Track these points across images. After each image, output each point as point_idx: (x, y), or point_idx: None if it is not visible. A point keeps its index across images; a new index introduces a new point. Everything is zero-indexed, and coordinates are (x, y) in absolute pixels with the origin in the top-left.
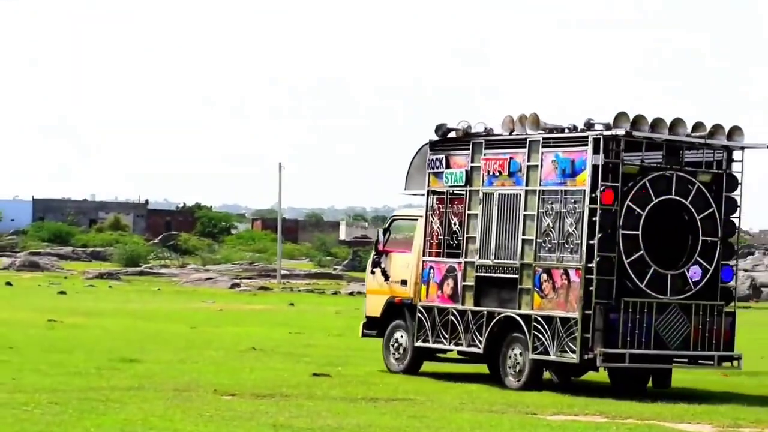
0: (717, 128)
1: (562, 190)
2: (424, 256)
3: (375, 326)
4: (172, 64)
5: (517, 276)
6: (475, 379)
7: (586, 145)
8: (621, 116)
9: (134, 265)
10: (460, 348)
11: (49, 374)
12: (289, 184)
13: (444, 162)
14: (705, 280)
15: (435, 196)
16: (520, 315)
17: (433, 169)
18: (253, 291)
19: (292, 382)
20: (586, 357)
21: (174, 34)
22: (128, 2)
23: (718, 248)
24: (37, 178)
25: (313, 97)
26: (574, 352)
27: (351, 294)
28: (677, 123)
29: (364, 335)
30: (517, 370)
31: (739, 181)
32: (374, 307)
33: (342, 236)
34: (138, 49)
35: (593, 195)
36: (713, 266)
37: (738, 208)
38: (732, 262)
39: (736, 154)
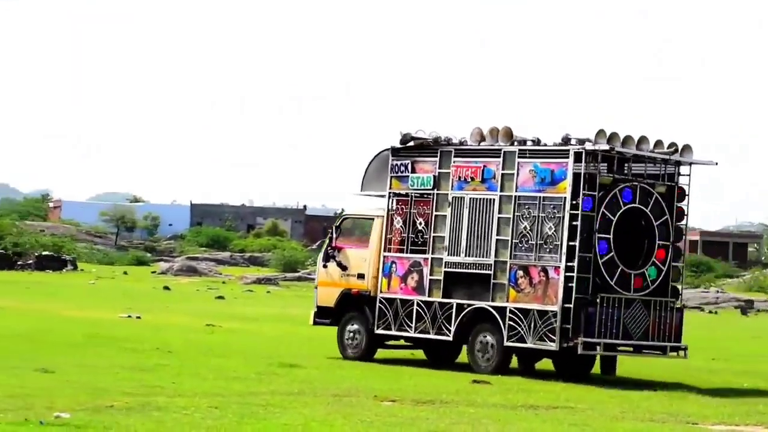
0: (672, 146)
1: (540, 197)
2: (384, 252)
3: (327, 316)
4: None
5: (490, 272)
6: (635, 386)
7: (566, 157)
8: (600, 133)
9: (292, 270)
10: (426, 336)
11: (208, 379)
12: None
13: (409, 167)
14: (659, 279)
15: (397, 198)
16: (493, 307)
17: (396, 173)
18: None
19: (451, 389)
20: (565, 345)
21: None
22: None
23: (670, 252)
24: (195, 184)
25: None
26: (553, 340)
27: None
28: (642, 140)
29: (315, 323)
30: (487, 356)
31: (687, 193)
32: (327, 298)
33: None
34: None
35: (574, 202)
36: (666, 267)
37: (685, 217)
38: (680, 264)
39: (684, 169)
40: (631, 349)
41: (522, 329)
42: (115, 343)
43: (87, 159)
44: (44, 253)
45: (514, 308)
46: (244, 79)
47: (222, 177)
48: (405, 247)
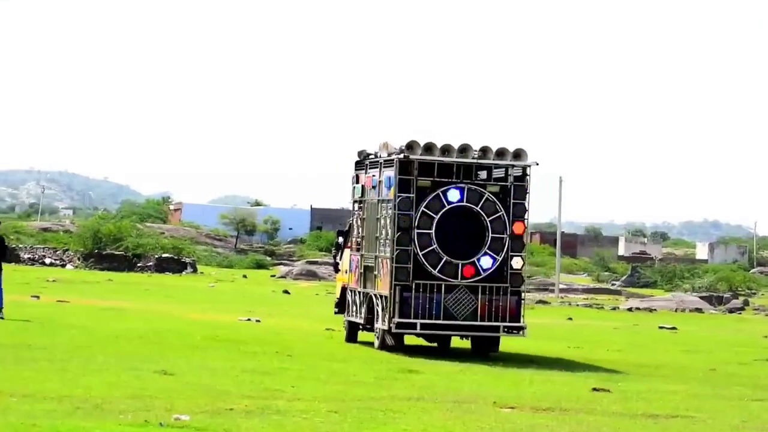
0: (503, 150)
1: (387, 200)
2: (351, 251)
3: (339, 306)
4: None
5: (374, 264)
6: (755, 397)
7: (392, 166)
8: (413, 143)
9: None
10: (355, 320)
11: (328, 383)
12: (568, 198)
13: (356, 178)
14: (494, 267)
15: (357, 205)
16: (373, 294)
17: (353, 184)
18: (531, 304)
19: (571, 396)
20: (389, 324)
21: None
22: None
23: (506, 243)
24: (316, 188)
25: (598, 109)
26: (385, 321)
27: (630, 310)
28: (465, 147)
29: (336, 313)
30: (377, 335)
31: (527, 191)
32: (338, 292)
33: (621, 251)
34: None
35: (395, 203)
36: (502, 256)
37: (526, 212)
38: (523, 253)
39: (527, 170)
40: (480, 330)
41: (379, 311)
42: (235, 346)
43: (208, 162)
44: (164, 255)
45: (377, 294)
46: (363, 89)
47: (342, 182)
48: (355, 247)
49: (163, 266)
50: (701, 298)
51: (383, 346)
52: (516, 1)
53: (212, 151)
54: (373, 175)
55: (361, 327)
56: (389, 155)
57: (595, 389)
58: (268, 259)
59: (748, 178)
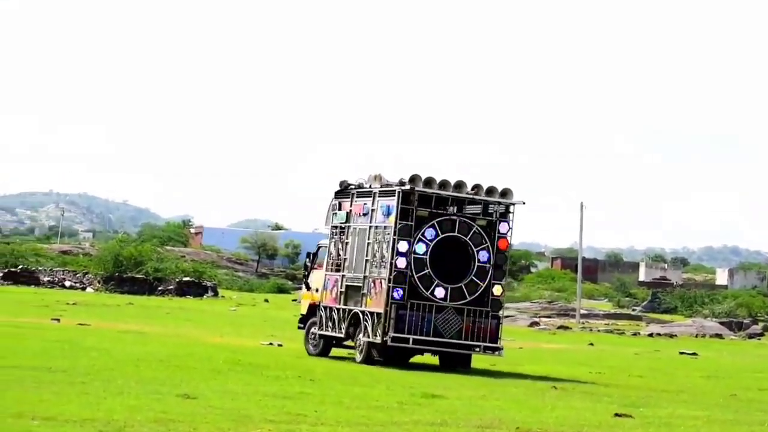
0: (492, 188)
1: (383, 226)
2: (326, 271)
3: (304, 322)
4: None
5: (361, 284)
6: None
7: (394, 196)
8: (415, 177)
9: None
10: (335, 334)
11: (351, 407)
12: (589, 223)
13: (338, 206)
14: (478, 292)
15: (334, 230)
16: (360, 311)
17: (333, 210)
18: (552, 330)
19: (593, 422)
20: (384, 339)
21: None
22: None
23: (489, 272)
24: None
25: (617, 136)
26: (378, 335)
27: (650, 335)
28: (460, 183)
29: (299, 328)
30: (360, 349)
31: (510, 227)
32: (304, 308)
33: (641, 277)
34: None
35: (395, 229)
36: (486, 283)
37: (509, 246)
38: (503, 282)
39: (510, 207)
40: (462, 348)
41: (369, 327)
42: (257, 370)
43: (228, 185)
44: (185, 279)
45: (368, 311)
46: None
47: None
48: (334, 268)
49: (184, 290)
50: (721, 323)
51: (368, 359)
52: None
53: (232, 175)
54: (365, 204)
55: (334, 342)
56: (383, 186)
57: (617, 415)
58: (290, 283)
59: None
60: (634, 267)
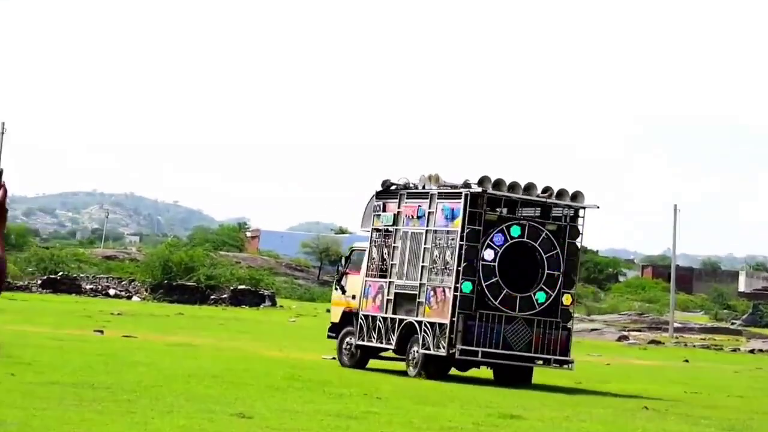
0: (563, 191)
1: (446, 230)
2: (366, 277)
3: (335, 331)
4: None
5: (416, 292)
6: None
7: (460, 198)
8: (485, 179)
9: None
10: (382, 345)
11: (421, 428)
12: (683, 228)
13: (382, 207)
14: (548, 302)
15: (376, 233)
16: (416, 321)
17: (376, 212)
18: (643, 344)
19: None
20: (450, 352)
21: None
22: None
23: (559, 280)
24: None
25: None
26: (444, 348)
27: (752, 352)
28: (530, 186)
29: (329, 337)
30: (414, 363)
31: (581, 232)
32: (336, 316)
33: (741, 287)
34: None
35: (463, 234)
36: (555, 292)
37: (578, 251)
38: (572, 291)
39: (580, 211)
40: (537, 361)
41: (429, 339)
42: (319, 387)
43: (287, 185)
44: (240, 286)
45: (427, 322)
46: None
47: None
48: (377, 273)
49: (239, 299)
50: None
51: (423, 372)
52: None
53: (291, 174)
54: (419, 206)
55: (372, 353)
56: (442, 187)
57: None
58: None
59: None
60: (734, 276)
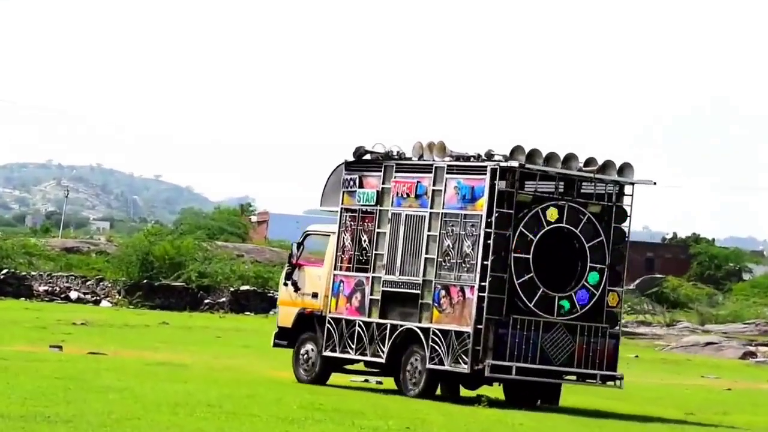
0: (608, 164)
1: (462, 214)
2: (335, 270)
3: (286, 337)
4: None
5: (419, 291)
6: None
7: (484, 174)
8: (517, 149)
9: None
10: (364, 358)
11: None
12: None
13: (357, 182)
14: (591, 303)
15: (348, 214)
16: (419, 328)
17: (347, 188)
18: None
19: None
20: (476, 367)
21: None
22: None
23: (605, 275)
24: None
25: None
26: (466, 363)
27: None
28: (570, 157)
29: (275, 345)
30: (415, 380)
31: (628, 214)
32: (286, 318)
33: None
34: None
35: (489, 220)
36: (600, 291)
37: (626, 239)
38: (618, 289)
39: (627, 188)
40: (574, 377)
41: (441, 351)
42: (347, 419)
43: (299, 159)
44: (243, 287)
45: (437, 329)
46: None
47: None
48: (351, 266)
49: (242, 304)
50: None
51: (427, 392)
52: None
53: (305, 146)
54: (417, 182)
55: (341, 366)
56: (456, 159)
57: None
58: None
59: None
60: None
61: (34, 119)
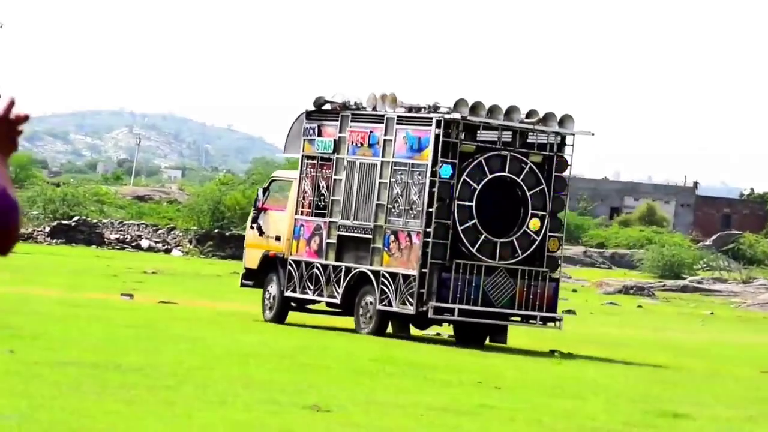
0: (549, 115)
1: (409, 163)
2: (296, 215)
3: (252, 278)
4: None
5: (371, 236)
6: None
7: (430, 125)
8: (460, 102)
9: (675, 276)
10: (321, 298)
11: (555, 429)
12: None
13: (317, 130)
14: (532, 249)
15: (308, 161)
16: (371, 271)
17: (307, 136)
18: None
19: None
20: (421, 309)
21: None
22: None
23: (546, 221)
24: None
25: None
26: (412, 304)
27: None
28: (512, 109)
29: (242, 285)
30: (368, 318)
31: (569, 163)
32: (252, 260)
33: None
34: None
35: (434, 169)
36: (540, 237)
37: (567, 187)
38: (559, 234)
39: (568, 139)
40: (517, 318)
41: (390, 293)
42: (419, 372)
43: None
44: None
45: (386, 272)
46: None
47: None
48: (311, 210)
49: None
50: None
51: (378, 331)
52: None
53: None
54: (371, 131)
55: (303, 306)
56: (406, 110)
57: None
58: None
59: None
60: None
61: (107, 66)
